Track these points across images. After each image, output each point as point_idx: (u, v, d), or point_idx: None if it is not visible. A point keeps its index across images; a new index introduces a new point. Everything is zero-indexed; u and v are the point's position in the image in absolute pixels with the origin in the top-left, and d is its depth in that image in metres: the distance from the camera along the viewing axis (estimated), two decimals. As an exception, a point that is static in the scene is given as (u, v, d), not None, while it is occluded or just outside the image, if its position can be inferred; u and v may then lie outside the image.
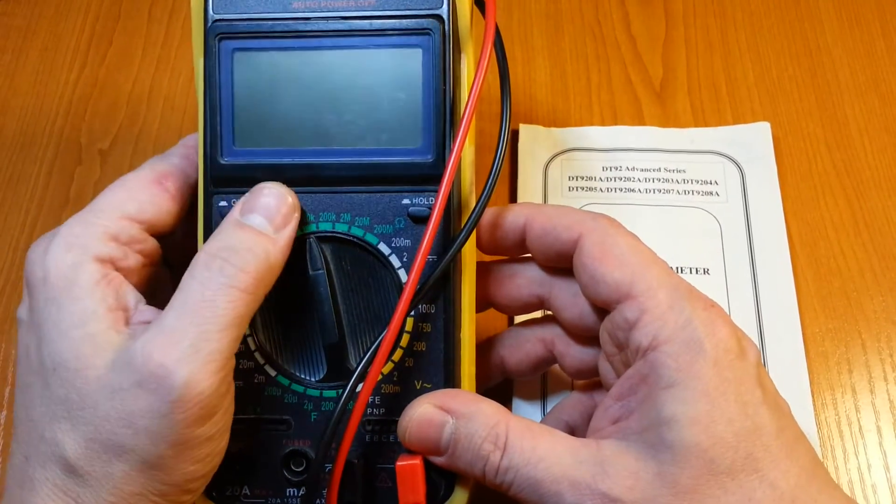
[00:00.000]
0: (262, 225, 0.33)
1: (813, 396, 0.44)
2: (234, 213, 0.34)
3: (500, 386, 0.43)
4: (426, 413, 0.34)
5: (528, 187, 0.50)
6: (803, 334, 0.45)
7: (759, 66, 0.55)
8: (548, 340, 0.39)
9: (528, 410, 0.43)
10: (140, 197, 0.35)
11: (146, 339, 0.31)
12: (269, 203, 0.34)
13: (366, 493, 0.35)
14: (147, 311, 0.34)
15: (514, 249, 0.38)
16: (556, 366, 0.40)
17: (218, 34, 0.36)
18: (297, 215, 0.35)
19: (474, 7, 0.38)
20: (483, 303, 0.39)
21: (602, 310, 0.36)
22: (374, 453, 0.36)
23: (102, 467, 0.31)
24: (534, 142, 0.51)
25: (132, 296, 0.34)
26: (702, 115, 0.53)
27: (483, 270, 0.39)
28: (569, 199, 0.49)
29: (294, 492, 0.36)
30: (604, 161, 0.51)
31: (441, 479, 0.35)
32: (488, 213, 0.37)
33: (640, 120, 0.53)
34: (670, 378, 0.32)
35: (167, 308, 0.32)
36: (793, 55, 0.56)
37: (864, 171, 0.51)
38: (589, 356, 0.38)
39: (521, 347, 0.40)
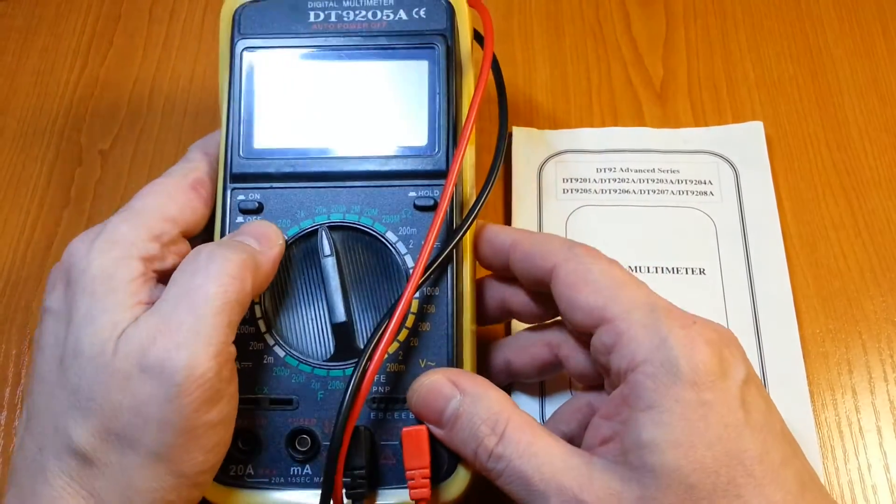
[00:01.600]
0: (249, 241, 0.36)
1: (813, 397, 0.44)
2: (224, 239, 0.38)
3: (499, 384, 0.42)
4: (437, 382, 0.35)
5: (522, 190, 0.50)
6: (804, 335, 0.45)
7: (760, 66, 0.55)
8: (554, 344, 0.39)
9: (526, 409, 0.43)
10: (179, 200, 0.38)
11: (146, 326, 0.33)
12: (256, 229, 0.37)
13: (371, 467, 0.36)
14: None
15: (503, 269, 0.39)
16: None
17: (244, 48, 0.40)
18: (281, 242, 0.37)
19: (474, 42, 0.43)
20: (503, 311, 0.40)
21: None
22: (379, 430, 0.37)
23: (118, 459, 0.32)
24: (527, 144, 0.51)
25: (156, 292, 0.35)
26: (702, 115, 0.53)
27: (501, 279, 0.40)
28: (563, 201, 0.49)
29: (298, 470, 0.37)
30: (598, 163, 0.51)
31: (446, 454, 0.36)
32: (485, 230, 0.39)
33: (640, 121, 0.53)
34: (648, 400, 0.32)
35: (161, 299, 0.34)
36: (793, 55, 0.56)
37: (865, 171, 0.51)
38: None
39: (527, 350, 0.40)
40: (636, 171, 0.50)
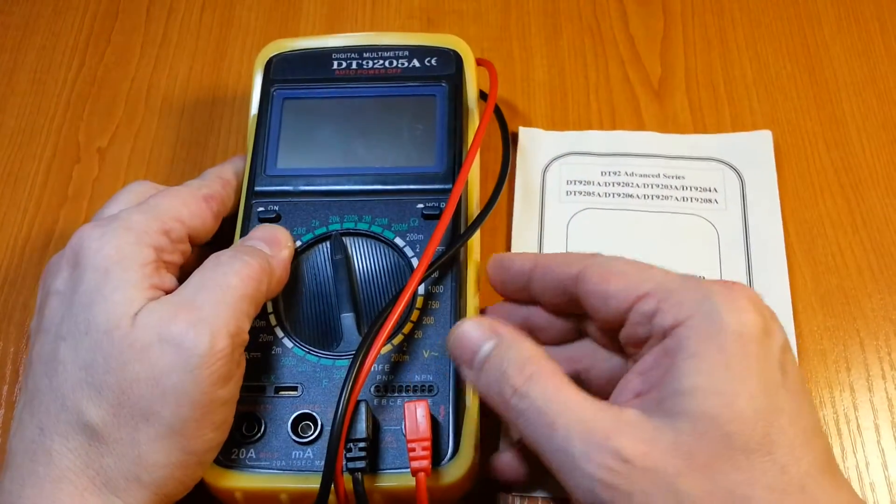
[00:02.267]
0: (261, 245, 0.39)
1: (811, 394, 0.44)
2: (240, 245, 0.40)
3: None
4: (476, 325, 0.36)
5: (526, 191, 0.50)
6: (802, 332, 0.45)
7: (758, 64, 0.55)
8: (575, 359, 0.39)
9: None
10: (191, 207, 0.40)
11: (168, 303, 0.34)
12: (265, 233, 0.40)
13: (373, 446, 0.37)
14: None
15: (519, 292, 0.40)
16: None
17: (275, 87, 0.46)
18: (291, 245, 0.40)
19: (480, 100, 0.48)
20: (525, 332, 0.40)
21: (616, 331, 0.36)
22: (382, 416, 0.38)
23: (129, 433, 0.33)
24: (532, 145, 0.51)
25: (171, 283, 0.37)
26: (700, 113, 0.53)
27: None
28: (566, 203, 0.49)
29: (300, 453, 0.38)
30: (603, 166, 0.51)
31: (449, 436, 0.37)
32: (500, 258, 0.40)
33: (638, 118, 0.53)
34: (693, 349, 0.31)
35: (182, 287, 0.36)
36: (791, 53, 0.56)
37: (862, 169, 0.51)
38: (616, 368, 0.38)
39: None
40: (641, 175, 0.50)
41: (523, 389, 0.33)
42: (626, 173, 0.50)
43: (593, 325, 0.38)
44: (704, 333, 0.32)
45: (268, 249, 0.39)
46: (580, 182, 0.50)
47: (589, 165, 0.51)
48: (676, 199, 0.49)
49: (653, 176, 0.50)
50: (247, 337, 0.36)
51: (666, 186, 0.50)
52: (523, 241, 0.48)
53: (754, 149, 0.51)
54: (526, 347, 0.35)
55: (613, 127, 0.53)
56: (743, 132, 0.52)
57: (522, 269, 0.39)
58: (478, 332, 0.35)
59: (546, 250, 0.48)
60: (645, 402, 0.32)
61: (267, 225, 0.42)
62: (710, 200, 0.49)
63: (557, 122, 0.53)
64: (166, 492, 0.34)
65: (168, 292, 0.36)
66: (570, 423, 0.31)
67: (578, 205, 0.49)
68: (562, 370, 0.34)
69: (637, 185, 0.50)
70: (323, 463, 0.35)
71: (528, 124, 0.53)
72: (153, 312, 0.34)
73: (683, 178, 0.50)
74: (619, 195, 0.50)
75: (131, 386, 0.33)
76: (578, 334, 0.39)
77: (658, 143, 0.52)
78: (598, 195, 0.50)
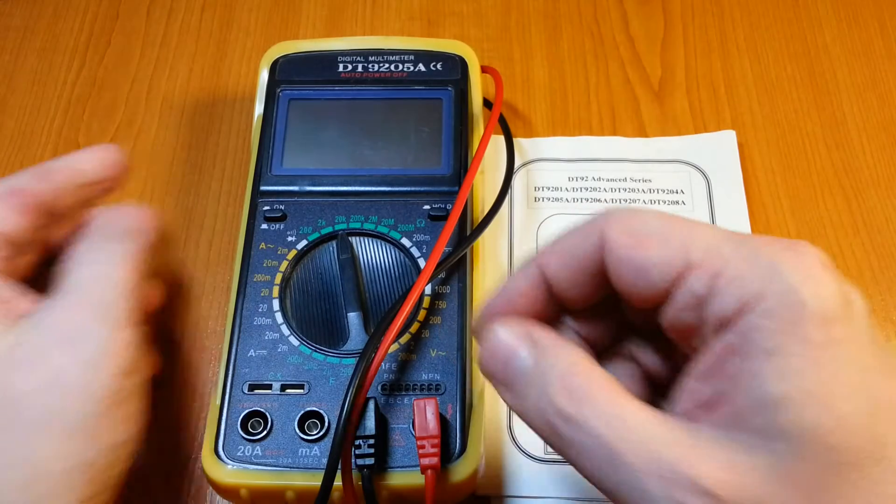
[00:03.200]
0: (134, 226, 0.37)
1: None
2: (113, 228, 0.38)
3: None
4: (510, 335, 0.28)
5: (493, 199, 0.49)
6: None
7: (758, 65, 0.55)
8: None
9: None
10: None
11: (62, 304, 0.33)
12: (133, 215, 0.38)
13: (380, 444, 0.37)
14: (29, 299, 0.34)
15: (548, 304, 0.30)
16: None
17: (281, 88, 0.47)
18: (157, 227, 0.38)
19: (484, 108, 0.49)
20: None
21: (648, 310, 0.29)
22: (389, 414, 0.38)
23: (20, 450, 0.31)
24: (498, 153, 0.51)
25: (7, 290, 0.34)
26: (700, 114, 0.53)
27: None
28: (534, 209, 0.49)
29: (307, 451, 0.38)
30: (570, 171, 0.51)
31: (456, 434, 0.37)
32: (500, 296, 0.30)
33: (638, 120, 0.53)
34: (770, 344, 0.24)
35: (66, 280, 0.34)
36: (791, 54, 0.56)
37: (863, 170, 0.51)
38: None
39: None
40: (608, 180, 0.50)
41: (569, 411, 0.26)
42: (594, 178, 0.51)
43: (625, 306, 0.30)
44: (783, 321, 0.24)
45: (141, 233, 0.37)
46: (548, 188, 0.50)
47: (556, 172, 0.51)
48: (644, 202, 0.50)
49: (620, 180, 0.50)
50: (142, 329, 0.35)
51: (633, 190, 0.50)
52: (492, 249, 0.48)
53: (719, 149, 0.51)
54: (568, 354, 0.27)
55: (613, 129, 0.53)
56: (707, 133, 0.52)
57: (528, 288, 0.30)
58: (509, 339, 0.28)
59: (516, 259, 0.48)
60: (719, 415, 0.25)
61: (131, 208, 0.39)
62: (678, 202, 0.49)
63: (557, 124, 0.53)
64: (88, 494, 0.32)
65: (8, 301, 0.34)
66: (637, 450, 0.25)
67: (547, 211, 0.49)
68: (612, 377, 0.27)
69: (605, 189, 0.50)
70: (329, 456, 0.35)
71: (529, 126, 0.53)
72: (41, 319, 0.33)
73: (650, 181, 0.50)
74: (587, 200, 0.50)
75: (22, 399, 0.31)
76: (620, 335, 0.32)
77: (624, 147, 0.52)
78: (566, 201, 0.50)
